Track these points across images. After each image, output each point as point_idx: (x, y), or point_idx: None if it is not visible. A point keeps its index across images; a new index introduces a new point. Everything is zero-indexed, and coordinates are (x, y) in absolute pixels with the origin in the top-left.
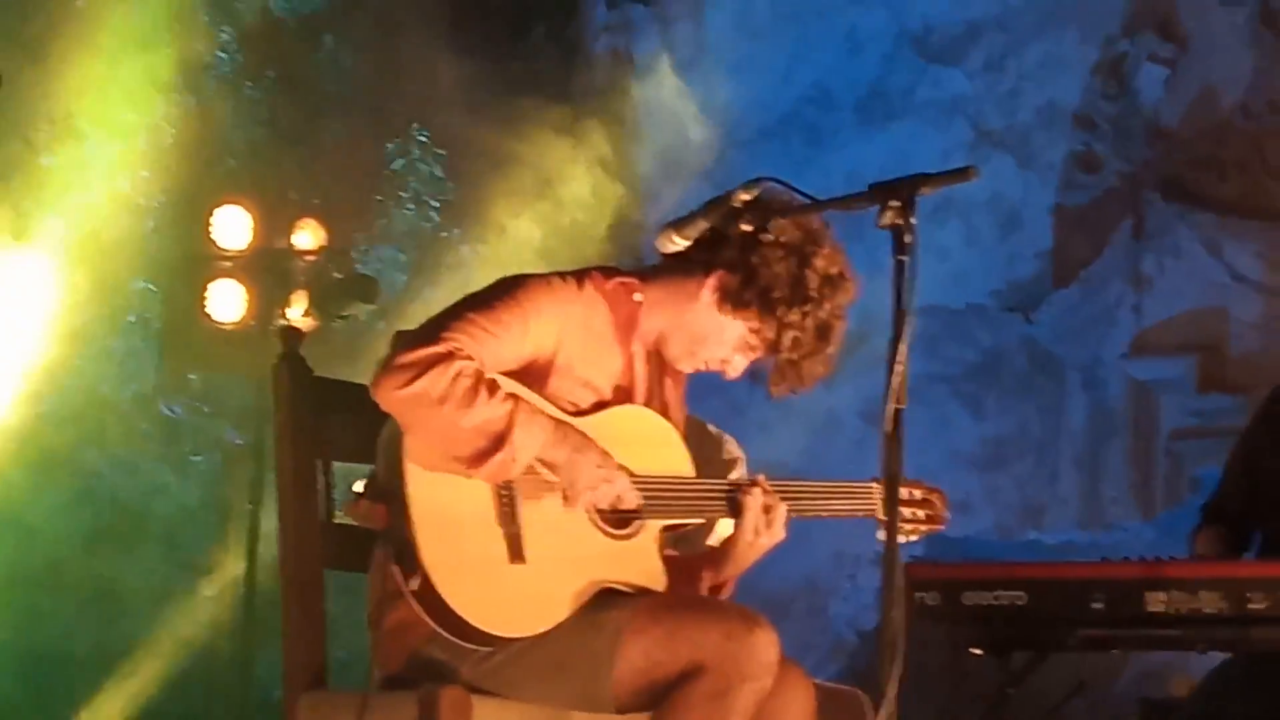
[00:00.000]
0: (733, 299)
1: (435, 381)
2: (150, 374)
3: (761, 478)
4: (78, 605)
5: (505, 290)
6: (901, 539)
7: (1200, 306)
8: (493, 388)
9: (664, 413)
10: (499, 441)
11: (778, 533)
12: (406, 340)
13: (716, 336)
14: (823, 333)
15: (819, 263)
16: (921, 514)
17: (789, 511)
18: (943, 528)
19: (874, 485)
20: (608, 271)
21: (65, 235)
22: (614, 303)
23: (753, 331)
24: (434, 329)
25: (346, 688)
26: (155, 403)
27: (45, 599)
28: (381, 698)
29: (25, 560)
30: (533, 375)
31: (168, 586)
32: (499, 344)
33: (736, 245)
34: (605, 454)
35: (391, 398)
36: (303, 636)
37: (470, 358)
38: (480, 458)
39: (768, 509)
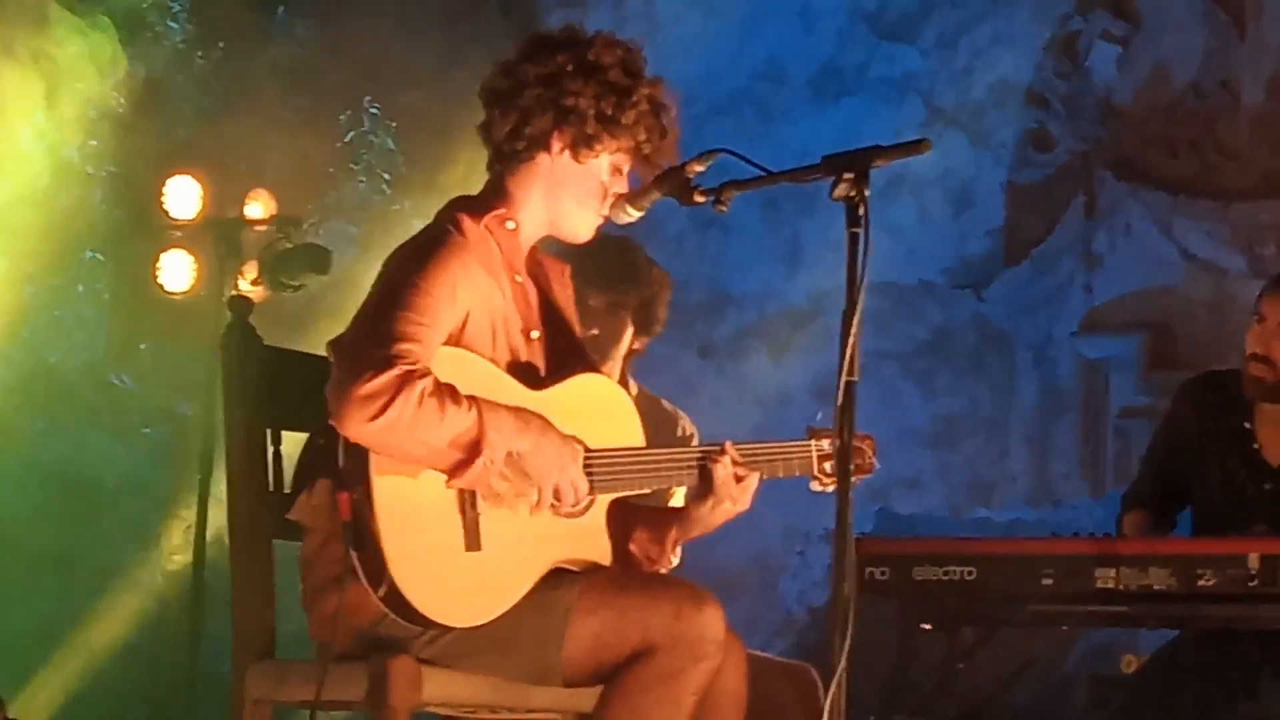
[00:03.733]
0: (585, 142)
1: (403, 409)
2: (99, 344)
3: (729, 444)
4: (25, 577)
5: (417, 274)
6: (825, 488)
7: (1151, 285)
8: (455, 395)
9: (564, 318)
10: (474, 449)
11: (746, 501)
12: (359, 365)
13: (595, 182)
14: (658, 107)
15: (604, 59)
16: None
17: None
18: (870, 475)
19: (810, 443)
20: (468, 206)
21: (13, 205)
22: (495, 238)
23: (615, 153)
24: (380, 345)
25: (294, 658)
26: (104, 373)
27: None
28: (332, 669)
29: None
30: (451, 338)
31: (116, 558)
32: (436, 331)
33: (543, 109)
34: (562, 437)
35: (362, 432)
36: (251, 607)
37: (426, 371)
38: (459, 469)
39: (740, 478)
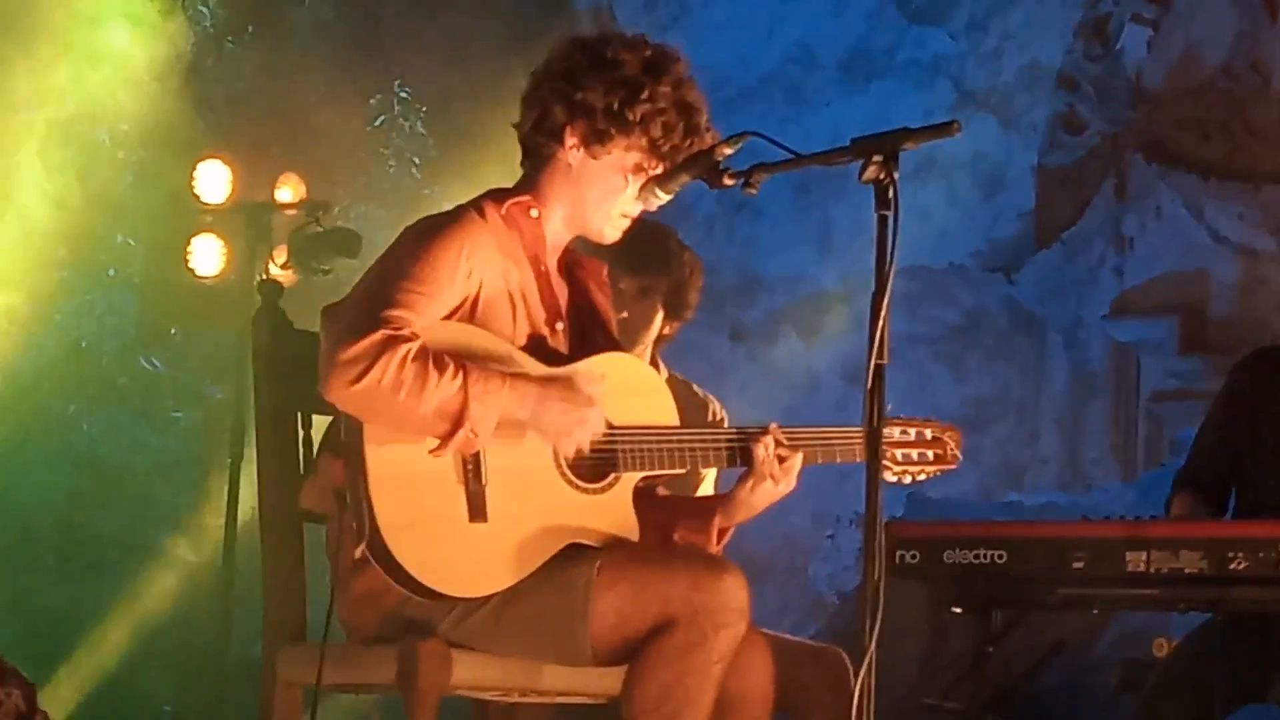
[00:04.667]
0: (596, 138)
1: (384, 372)
2: (130, 328)
3: (774, 426)
4: (57, 560)
5: (421, 245)
6: (907, 479)
7: (1181, 268)
8: (441, 364)
9: (601, 318)
10: (458, 420)
11: (791, 482)
12: (345, 331)
13: (615, 181)
14: (684, 108)
15: (623, 56)
16: (930, 454)
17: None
18: (954, 467)
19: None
20: (496, 195)
21: (45, 189)
22: (517, 225)
23: (631, 151)
24: (370, 311)
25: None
26: (135, 357)
27: (24, 554)
28: (361, 651)
29: (4, 515)
30: (462, 315)
31: (147, 541)
32: (435, 302)
33: (557, 102)
34: (567, 390)
35: (343, 395)
36: (282, 590)
37: (413, 336)
38: (443, 439)
39: (782, 459)
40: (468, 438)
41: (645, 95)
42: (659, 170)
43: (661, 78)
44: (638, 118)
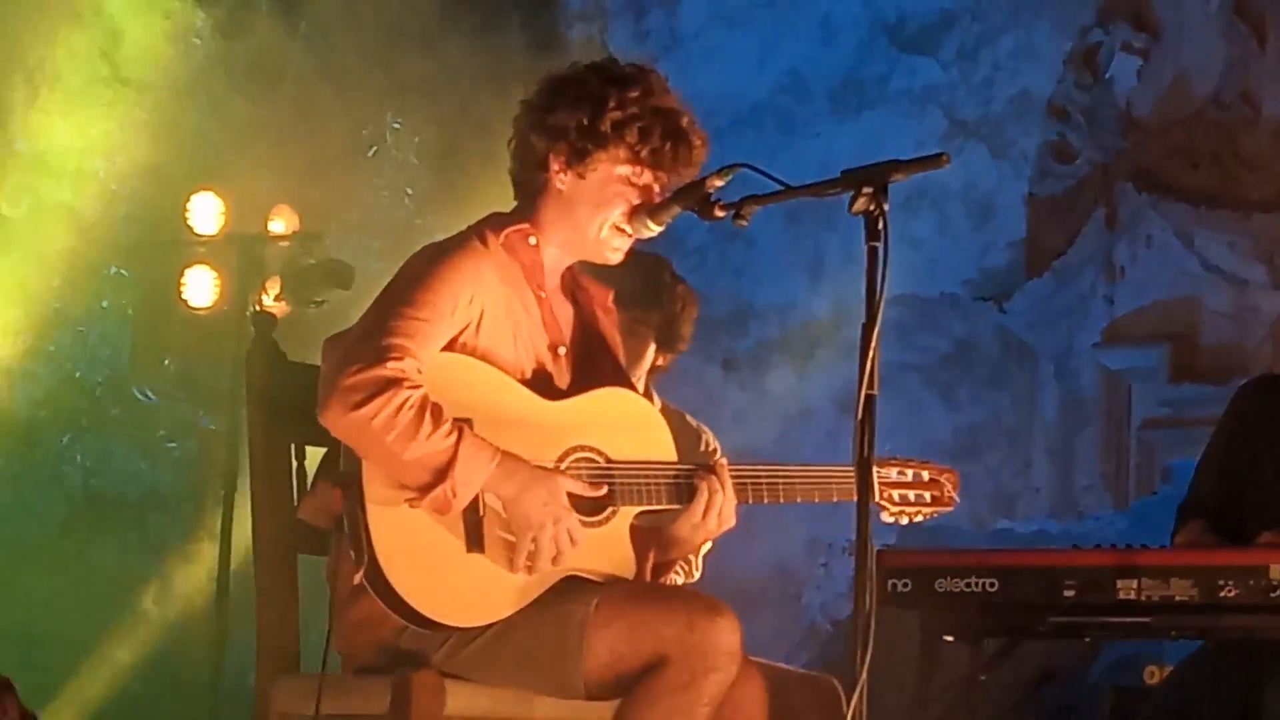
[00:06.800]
0: (576, 157)
1: (380, 410)
2: (124, 359)
3: (720, 462)
4: (51, 590)
5: (425, 272)
6: (905, 520)
7: (1172, 296)
8: (438, 417)
9: (606, 344)
10: (441, 475)
11: (728, 519)
12: (348, 357)
13: (605, 198)
14: (657, 113)
15: (587, 75)
16: (927, 495)
17: (778, 496)
18: (951, 509)
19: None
20: (495, 222)
21: (38, 220)
22: (516, 253)
23: (616, 164)
24: (372, 338)
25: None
26: (129, 388)
27: (18, 583)
28: (355, 681)
29: None
30: (465, 341)
31: (141, 571)
32: (436, 329)
33: (535, 133)
34: (553, 490)
35: (339, 420)
36: (276, 621)
37: (417, 385)
38: (421, 491)
39: (712, 494)
40: (446, 495)
41: (612, 104)
42: (648, 178)
43: (627, 87)
44: (609, 127)
